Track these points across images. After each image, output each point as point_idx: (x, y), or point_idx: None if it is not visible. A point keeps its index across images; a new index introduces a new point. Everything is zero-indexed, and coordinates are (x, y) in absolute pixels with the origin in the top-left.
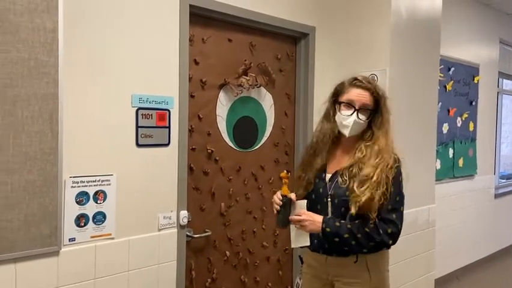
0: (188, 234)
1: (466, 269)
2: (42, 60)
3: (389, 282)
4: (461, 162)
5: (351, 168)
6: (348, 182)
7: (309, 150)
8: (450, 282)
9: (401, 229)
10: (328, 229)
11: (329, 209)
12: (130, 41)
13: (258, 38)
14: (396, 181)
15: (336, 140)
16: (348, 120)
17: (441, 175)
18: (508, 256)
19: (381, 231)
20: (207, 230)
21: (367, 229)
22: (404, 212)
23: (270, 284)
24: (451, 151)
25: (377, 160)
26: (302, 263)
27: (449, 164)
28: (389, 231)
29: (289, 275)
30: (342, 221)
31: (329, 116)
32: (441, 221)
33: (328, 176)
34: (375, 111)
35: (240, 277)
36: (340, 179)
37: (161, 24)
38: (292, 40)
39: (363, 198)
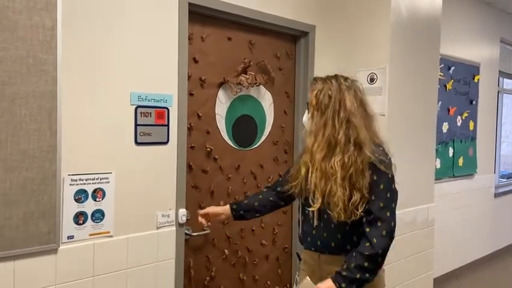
0: (187, 232)
1: (465, 268)
2: (41, 58)
3: (384, 280)
4: (461, 161)
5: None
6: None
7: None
8: (449, 281)
9: (394, 226)
10: (343, 285)
11: (312, 215)
12: (129, 39)
13: (257, 36)
14: (381, 178)
15: None
16: (304, 117)
17: (441, 174)
18: (508, 255)
19: (375, 241)
20: (205, 228)
21: (366, 252)
22: (404, 210)
23: (268, 283)
24: (450, 150)
25: (334, 158)
26: (300, 259)
27: (449, 163)
28: (383, 233)
29: (288, 273)
30: (343, 266)
31: None
32: (441, 220)
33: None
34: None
35: (238, 275)
36: None
37: (160, 22)
38: (292, 38)
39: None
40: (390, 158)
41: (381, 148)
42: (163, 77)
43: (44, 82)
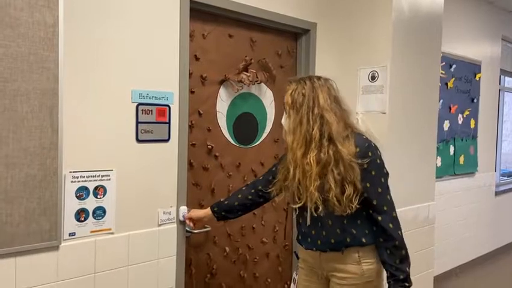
0: (188, 229)
1: (465, 266)
2: (42, 55)
3: (383, 275)
4: (461, 159)
5: None
6: None
7: None
8: (449, 279)
9: (395, 216)
10: (407, 284)
11: (306, 215)
12: (131, 36)
13: (258, 33)
14: (371, 164)
15: None
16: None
17: (442, 172)
18: (508, 253)
19: (391, 226)
20: (206, 225)
21: (396, 242)
22: (405, 208)
23: (269, 280)
24: (451, 148)
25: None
26: (298, 258)
27: (450, 161)
28: (394, 214)
29: (289, 271)
30: (390, 270)
31: None
32: (442, 218)
33: None
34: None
35: (239, 273)
36: None
37: (162, 19)
38: (293, 36)
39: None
40: (374, 144)
41: (364, 137)
42: (164, 75)
43: (45, 79)
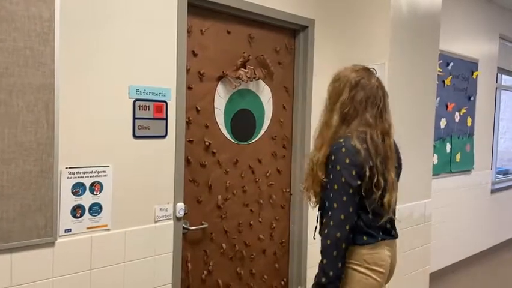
0: (185, 226)
1: (461, 264)
2: (38, 50)
3: (359, 278)
4: (458, 157)
5: None
6: None
7: None
8: (445, 276)
9: (333, 232)
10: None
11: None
12: (128, 32)
13: (257, 30)
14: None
15: None
16: None
17: (439, 170)
18: (504, 251)
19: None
20: (203, 222)
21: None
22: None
23: (266, 277)
24: (448, 146)
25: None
26: None
27: (447, 159)
28: (325, 231)
29: (285, 267)
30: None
31: None
32: (438, 215)
33: None
34: None
35: (236, 269)
36: None
37: (159, 15)
38: (292, 33)
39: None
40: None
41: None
42: (161, 71)
43: (41, 74)
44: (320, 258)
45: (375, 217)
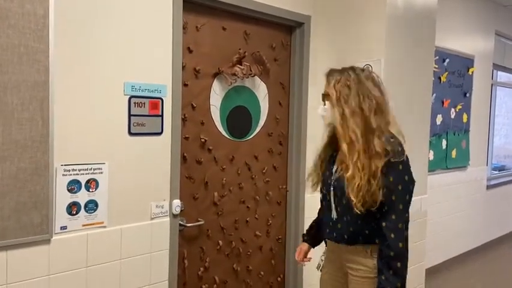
0: (181, 223)
1: (457, 259)
2: (32, 47)
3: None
4: (454, 153)
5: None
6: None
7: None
8: (441, 272)
9: (402, 245)
10: None
11: (332, 199)
12: (123, 28)
13: (252, 26)
14: (395, 183)
15: None
16: (319, 110)
17: (434, 166)
18: (499, 247)
19: (390, 245)
20: (199, 219)
21: (391, 253)
22: None
23: (262, 273)
24: (444, 142)
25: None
26: (326, 245)
27: (442, 155)
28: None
29: (282, 264)
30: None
31: None
32: (433, 211)
33: (334, 167)
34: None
35: (232, 266)
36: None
37: (154, 11)
38: (288, 29)
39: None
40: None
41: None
42: (157, 67)
43: (35, 71)
44: (391, 261)
45: None
